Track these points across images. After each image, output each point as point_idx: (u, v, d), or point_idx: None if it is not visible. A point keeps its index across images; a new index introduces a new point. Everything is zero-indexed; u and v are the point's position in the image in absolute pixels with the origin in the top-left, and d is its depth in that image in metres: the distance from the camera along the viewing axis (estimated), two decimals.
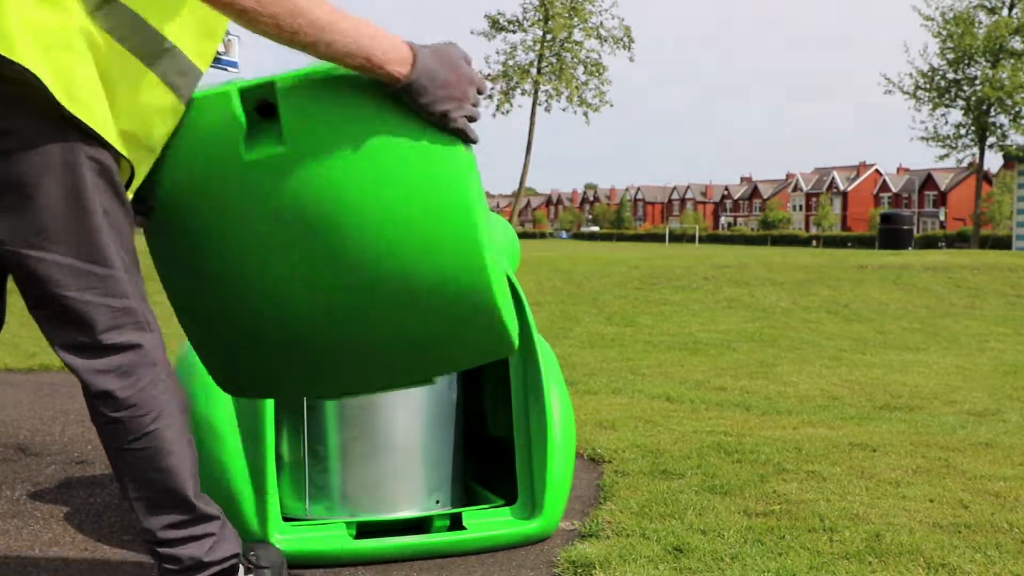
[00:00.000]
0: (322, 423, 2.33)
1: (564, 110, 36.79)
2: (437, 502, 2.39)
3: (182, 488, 1.70)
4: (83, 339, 1.62)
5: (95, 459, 3.32)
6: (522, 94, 36.80)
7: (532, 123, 36.67)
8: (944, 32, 34.79)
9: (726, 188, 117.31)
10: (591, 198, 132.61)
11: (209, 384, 2.25)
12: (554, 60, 36.52)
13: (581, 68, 36.48)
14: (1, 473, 3.09)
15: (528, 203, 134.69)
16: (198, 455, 1.77)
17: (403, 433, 2.36)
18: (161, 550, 1.72)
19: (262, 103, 1.58)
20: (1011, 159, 33.77)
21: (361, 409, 2.32)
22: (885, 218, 22.12)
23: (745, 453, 3.28)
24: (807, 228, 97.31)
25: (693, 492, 2.78)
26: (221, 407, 2.23)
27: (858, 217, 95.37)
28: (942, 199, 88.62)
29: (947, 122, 35.14)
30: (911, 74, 35.33)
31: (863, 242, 62.85)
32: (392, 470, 2.34)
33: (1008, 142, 34.12)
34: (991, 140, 34.59)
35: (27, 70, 1.46)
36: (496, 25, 36.90)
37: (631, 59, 36.42)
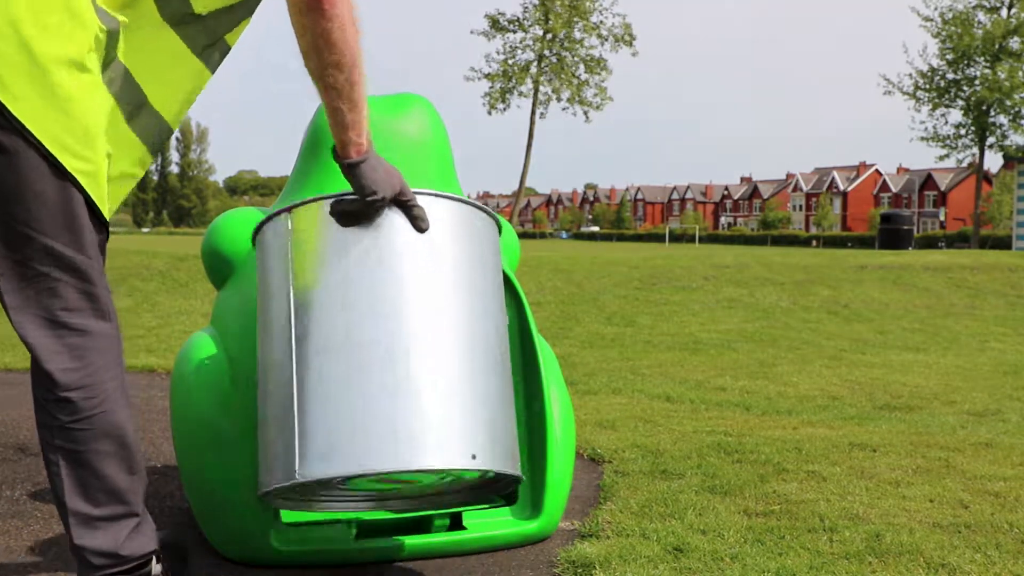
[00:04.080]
0: (323, 358, 1.83)
1: (565, 110, 36.80)
2: (473, 457, 1.83)
3: (114, 475, 1.77)
4: (45, 313, 1.72)
5: None
6: (519, 95, 36.80)
7: (532, 123, 36.67)
8: (943, 32, 34.79)
9: (726, 188, 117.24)
10: (591, 198, 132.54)
11: (208, 384, 2.25)
12: (554, 60, 36.53)
13: (582, 66, 36.50)
14: (1, 473, 3.09)
15: (528, 203, 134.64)
16: (141, 451, 1.85)
17: (429, 369, 1.83)
18: (78, 533, 1.77)
19: None
20: (1011, 159, 33.77)
21: (374, 342, 1.82)
22: (885, 218, 22.15)
23: (745, 453, 3.28)
24: (807, 228, 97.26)
25: (693, 492, 2.78)
26: (220, 409, 2.23)
27: (858, 217, 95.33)
28: (942, 199, 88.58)
29: (947, 122, 35.13)
30: (911, 74, 35.33)
31: (863, 242, 62.83)
32: (414, 411, 1.80)
33: (1008, 142, 34.12)
34: (991, 140, 34.58)
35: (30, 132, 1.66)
36: (496, 25, 36.92)
37: (633, 54, 36.41)
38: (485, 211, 2.01)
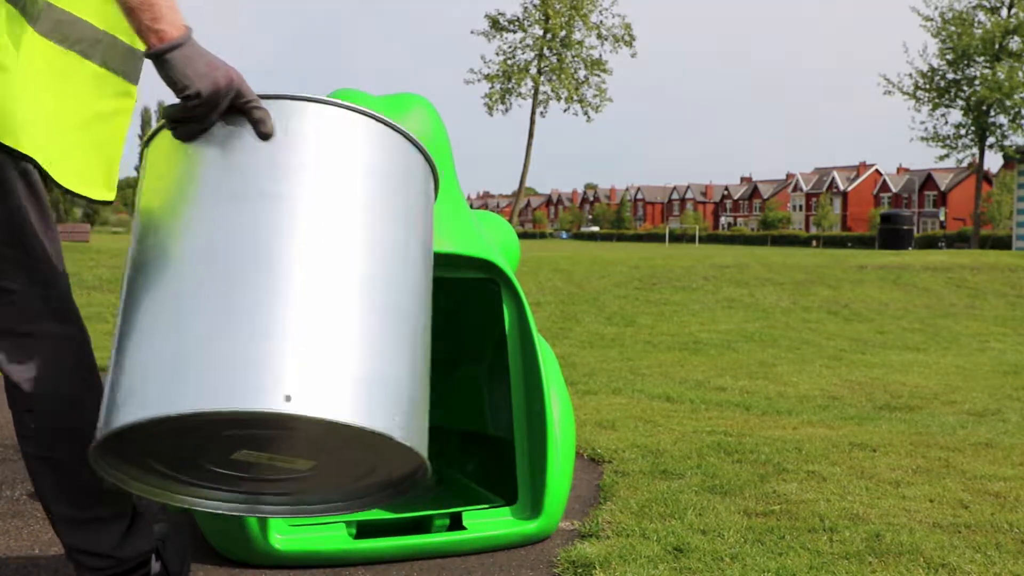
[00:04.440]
0: (139, 286, 1.53)
1: (565, 111, 36.80)
2: (287, 399, 1.40)
3: (94, 477, 1.69)
4: (2, 324, 1.65)
5: None
6: (518, 96, 36.80)
7: (532, 123, 36.68)
8: (943, 32, 34.80)
9: (726, 188, 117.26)
10: (591, 198, 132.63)
11: None
12: (554, 60, 36.54)
13: (582, 66, 36.52)
14: (1, 473, 3.09)
15: (528, 203, 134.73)
16: None
17: (246, 296, 1.46)
18: (70, 537, 1.74)
19: None
20: (1011, 159, 33.78)
21: (190, 261, 1.50)
22: (885, 218, 22.18)
23: (745, 453, 3.28)
24: (807, 228, 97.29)
25: (693, 492, 2.78)
26: None
27: (858, 217, 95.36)
28: (942, 199, 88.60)
29: (947, 122, 35.12)
30: (911, 74, 35.33)
31: (863, 242, 62.84)
32: (219, 345, 1.43)
33: (1008, 142, 34.12)
34: (991, 140, 34.59)
35: None
36: (496, 25, 36.92)
37: (633, 55, 36.44)
38: (398, 130, 1.65)
